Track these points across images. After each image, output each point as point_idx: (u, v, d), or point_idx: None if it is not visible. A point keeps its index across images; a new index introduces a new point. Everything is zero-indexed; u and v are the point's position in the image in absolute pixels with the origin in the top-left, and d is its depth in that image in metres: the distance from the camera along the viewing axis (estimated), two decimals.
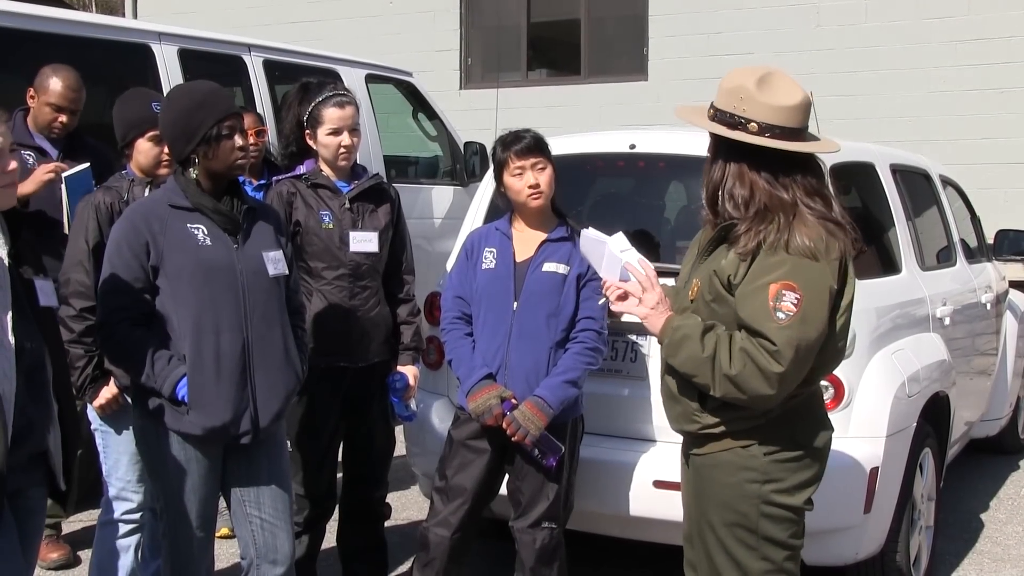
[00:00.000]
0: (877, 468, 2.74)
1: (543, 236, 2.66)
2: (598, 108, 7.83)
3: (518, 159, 2.61)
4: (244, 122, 2.40)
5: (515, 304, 2.62)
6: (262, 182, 3.21)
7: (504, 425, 2.57)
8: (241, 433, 2.27)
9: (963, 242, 4.10)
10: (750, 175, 1.92)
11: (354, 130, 2.83)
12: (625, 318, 2.17)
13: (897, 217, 3.37)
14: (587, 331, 2.62)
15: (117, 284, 2.23)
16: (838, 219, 1.93)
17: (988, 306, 4.02)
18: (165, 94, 2.85)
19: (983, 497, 4.15)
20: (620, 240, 2.08)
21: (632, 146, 3.13)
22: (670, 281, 2.19)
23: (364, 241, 2.82)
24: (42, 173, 2.93)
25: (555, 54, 8.87)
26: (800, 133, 1.95)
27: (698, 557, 2.06)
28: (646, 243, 3.00)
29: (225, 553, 3.22)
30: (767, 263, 1.88)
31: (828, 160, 2.65)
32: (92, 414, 2.61)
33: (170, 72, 4.09)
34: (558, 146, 2.80)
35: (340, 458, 3.01)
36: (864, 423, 2.78)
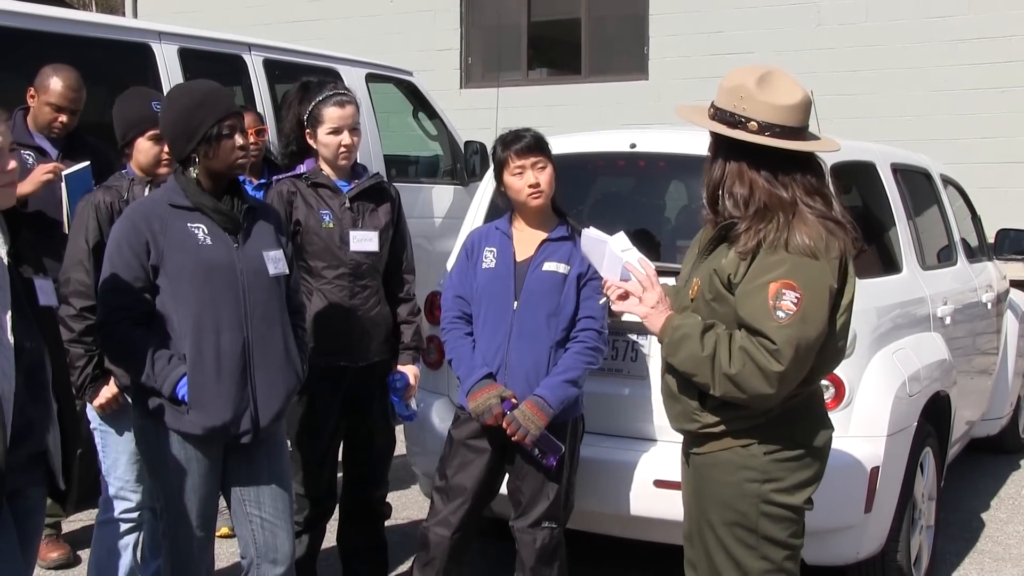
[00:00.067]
0: (878, 467, 2.74)
1: (543, 235, 2.66)
2: (598, 107, 7.83)
3: (518, 158, 2.60)
4: (244, 121, 2.39)
5: (515, 303, 2.61)
6: (262, 181, 3.21)
7: (504, 425, 2.57)
8: (241, 433, 2.26)
9: (964, 241, 4.10)
10: (750, 174, 1.92)
11: (354, 129, 2.83)
12: (625, 317, 2.17)
13: (898, 216, 3.37)
14: (587, 330, 2.61)
15: (117, 283, 2.23)
16: (838, 218, 1.93)
17: (989, 305, 4.02)
18: (165, 93, 2.84)
19: (984, 496, 4.15)
20: (621, 240, 2.08)
21: (632, 145, 3.12)
22: (670, 280, 2.19)
23: (364, 240, 2.82)
24: (40, 174, 2.92)
25: (555, 53, 8.87)
26: (800, 132, 1.95)
27: (698, 556, 2.06)
28: (647, 242, 3.00)
29: (225, 552, 3.22)
30: (767, 262, 1.88)
31: (829, 159, 2.65)
32: (92, 413, 2.61)
33: (170, 71, 4.09)
34: (558, 145, 2.79)
35: (340, 458, 3.01)
36: (865, 422, 2.78)
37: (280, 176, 2.92)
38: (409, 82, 5.64)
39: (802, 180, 1.93)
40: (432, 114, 5.76)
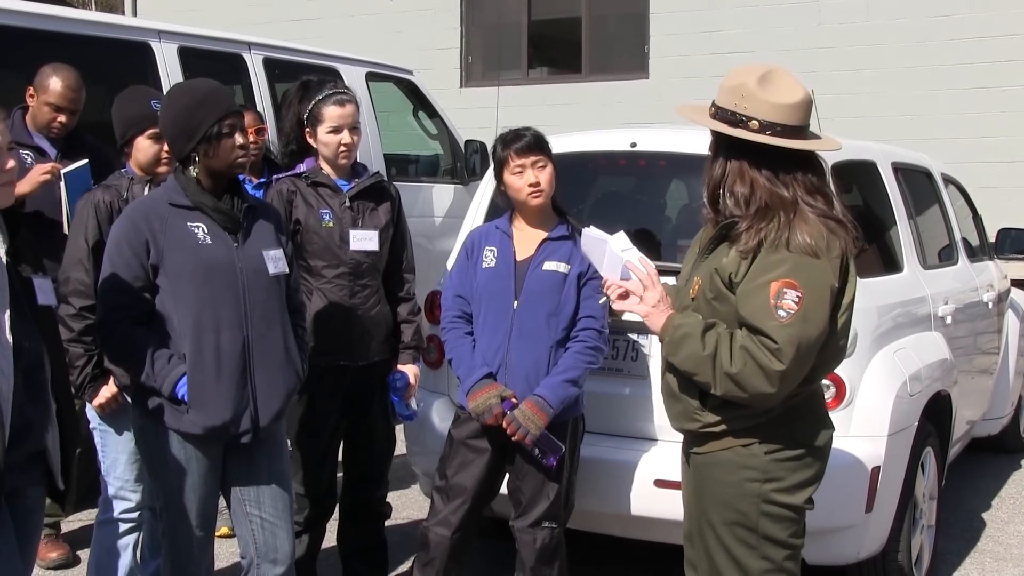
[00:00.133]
0: (878, 467, 2.74)
1: (544, 235, 2.65)
2: (599, 106, 7.82)
3: (518, 157, 2.60)
4: (244, 120, 2.39)
5: (515, 303, 2.61)
6: (262, 180, 3.21)
7: (504, 424, 2.56)
8: (241, 432, 2.26)
9: (965, 241, 4.10)
10: (751, 173, 1.91)
11: (354, 128, 2.82)
12: (626, 316, 2.16)
13: (899, 216, 3.36)
14: (588, 330, 2.61)
15: (117, 283, 2.23)
16: (839, 217, 1.92)
17: (990, 305, 4.02)
18: (165, 92, 2.84)
19: (985, 496, 4.14)
20: (621, 239, 2.08)
21: (633, 144, 3.12)
22: (671, 280, 2.18)
23: (364, 239, 2.82)
24: (38, 174, 2.91)
25: (556, 52, 8.86)
26: (801, 131, 1.94)
27: (698, 556, 2.05)
28: (647, 242, 3.00)
29: (225, 552, 3.22)
30: (768, 261, 1.87)
31: (829, 158, 2.64)
32: (91, 413, 2.61)
33: (170, 70, 4.09)
34: (559, 144, 2.79)
35: (340, 457, 3.01)
36: (865, 422, 2.77)
37: (280, 175, 2.92)
38: (409, 81, 5.63)
39: (803, 179, 1.92)
40: (432, 113, 5.75)
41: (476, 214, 3.19)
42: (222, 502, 2.38)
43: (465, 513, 2.65)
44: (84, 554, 3.10)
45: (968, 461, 4.33)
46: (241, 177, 2.56)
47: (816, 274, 1.86)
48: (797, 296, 1.84)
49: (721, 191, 1.95)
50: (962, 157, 6.30)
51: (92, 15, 5.06)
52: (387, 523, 3.18)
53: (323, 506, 2.92)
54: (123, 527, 2.62)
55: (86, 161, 2.84)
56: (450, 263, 2.99)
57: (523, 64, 8.60)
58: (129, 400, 2.41)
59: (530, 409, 2.54)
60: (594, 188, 3.44)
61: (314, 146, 2.85)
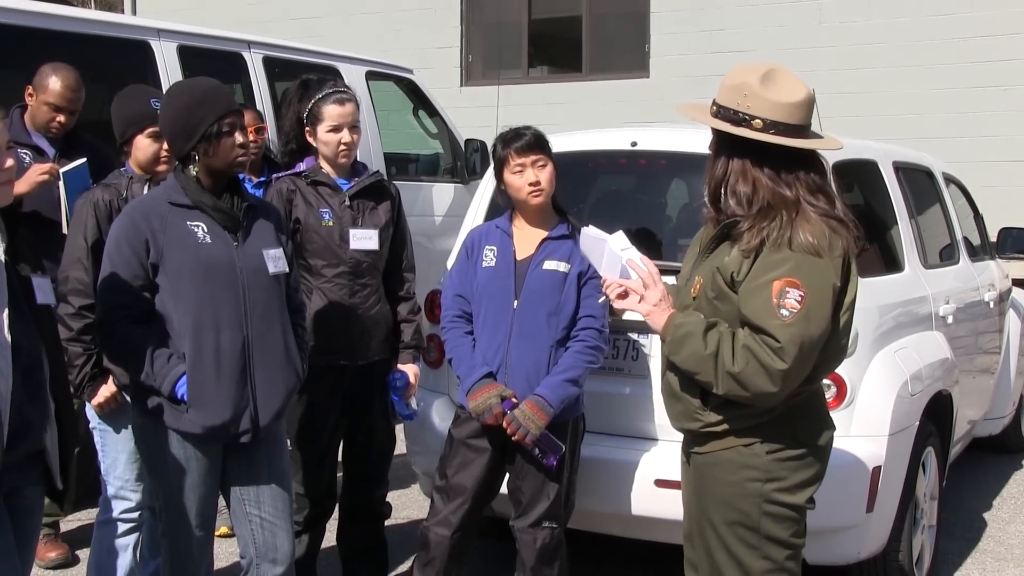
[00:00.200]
0: (879, 467, 2.73)
1: (544, 234, 2.65)
2: (599, 105, 7.81)
3: (518, 156, 2.59)
4: (244, 119, 2.38)
5: (515, 302, 2.60)
6: (262, 179, 3.20)
7: (504, 424, 2.56)
8: (241, 432, 2.26)
9: (966, 240, 4.09)
10: (753, 172, 1.91)
11: (354, 127, 2.81)
12: (627, 316, 2.16)
13: (900, 215, 3.36)
14: (588, 329, 2.60)
15: (116, 282, 2.22)
16: (841, 216, 1.92)
17: (991, 304, 4.01)
18: (164, 91, 2.83)
19: (986, 496, 4.14)
20: (620, 238, 2.08)
21: (633, 144, 3.11)
22: (671, 279, 2.18)
23: (364, 239, 2.81)
24: (36, 174, 2.90)
25: (556, 51, 8.86)
26: (803, 130, 1.94)
27: (699, 556, 2.05)
28: (648, 241, 2.99)
29: (225, 552, 3.21)
30: (770, 260, 1.87)
31: (831, 158, 2.63)
32: (90, 412, 2.60)
33: (169, 69, 4.08)
34: (559, 143, 2.78)
35: (340, 457, 3.00)
36: (866, 422, 2.76)
37: (280, 174, 2.91)
38: (409, 80, 5.62)
39: (805, 178, 1.92)
40: (432, 112, 5.74)
41: (476, 213, 3.18)
42: (222, 502, 2.38)
43: (465, 513, 2.64)
44: (83, 554, 3.10)
45: (969, 461, 4.32)
46: (241, 176, 2.56)
47: (818, 273, 1.86)
48: (800, 295, 1.83)
49: (723, 190, 1.95)
50: (963, 156, 6.29)
51: (91, 13, 5.06)
52: (387, 523, 3.18)
53: (323, 506, 2.92)
54: (123, 527, 2.62)
55: (84, 160, 2.83)
56: (450, 262, 2.98)
57: (523, 63, 8.59)
58: (128, 399, 2.40)
59: (530, 409, 2.54)
60: (594, 187, 3.44)
61: (314, 145, 2.84)
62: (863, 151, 3.37)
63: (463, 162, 5.67)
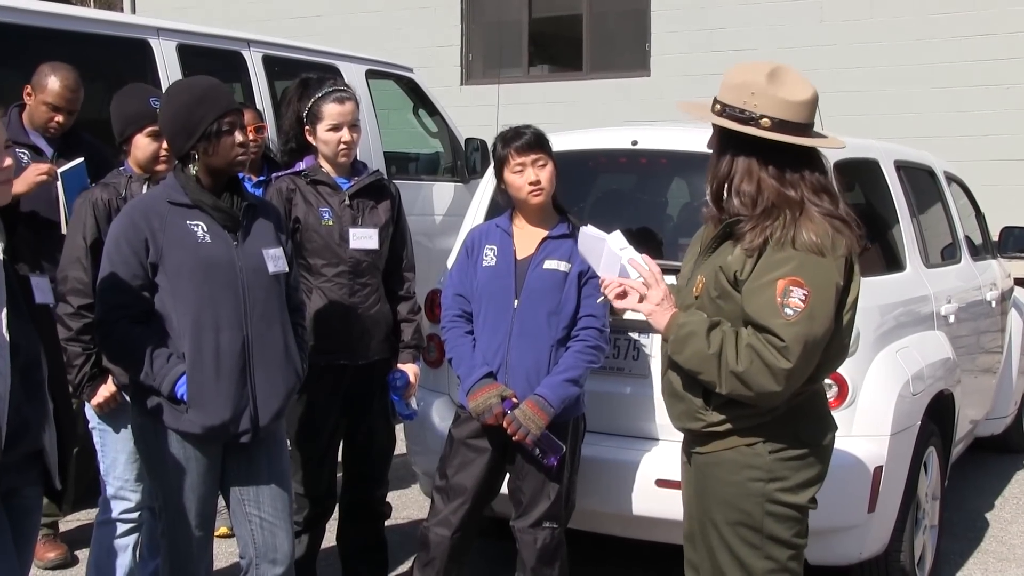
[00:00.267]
0: (881, 467, 2.73)
1: (544, 233, 2.64)
2: (600, 104, 7.80)
3: (519, 155, 2.58)
4: (244, 118, 2.37)
5: (516, 302, 2.60)
6: (261, 178, 3.19)
7: (505, 424, 2.55)
8: (241, 432, 2.25)
9: (968, 239, 4.08)
10: (759, 171, 1.90)
11: (354, 126, 2.81)
12: (628, 315, 2.15)
13: (901, 214, 3.35)
14: (589, 329, 2.60)
15: (116, 281, 2.22)
16: (844, 216, 1.92)
17: (993, 304, 4.00)
18: (164, 90, 2.82)
19: (988, 496, 4.13)
20: (618, 238, 2.07)
21: (634, 142, 3.10)
22: (672, 279, 2.17)
23: (364, 238, 2.80)
24: (34, 174, 2.89)
25: (557, 50, 8.85)
26: (808, 129, 1.94)
27: (700, 556, 2.04)
28: (648, 240, 2.98)
29: (224, 552, 3.21)
30: (774, 259, 1.87)
31: (832, 156, 2.62)
32: (90, 412, 2.60)
33: (169, 68, 4.07)
34: (559, 142, 2.77)
35: (340, 457, 2.99)
36: (868, 422, 2.76)
37: (279, 173, 2.90)
38: (409, 79, 5.61)
39: (810, 178, 1.92)
40: (432, 111, 5.73)
41: (476, 212, 3.18)
42: (221, 502, 2.37)
43: (465, 513, 2.63)
44: (82, 554, 3.10)
45: (971, 461, 4.32)
46: (240, 175, 2.55)
47: (822, 272, 1.86)
48: (803, 294, 1.83)
49: (727, 189, 1.94)
50: (965, 155, 6.28)
51: (90, 12, 5.05)
52: (387, 523, 3.17)
53: (323, 506, 2.91)
54: (122, 527, 2.61)
55: (82, 160, 2.82)
56: (450, 261, 2.97)
57: (524, 62, 8.58)
58: (128, 399, 2.39)
59: (531, 409, 2.53)
60: (595, 186, 3.43)
61: (314, 144, 2.83)
62: (864, 150, 3.36)
63: (463, 161, 5.66)
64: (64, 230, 2.68)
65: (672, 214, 3.26)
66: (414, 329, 2.93)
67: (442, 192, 5.59)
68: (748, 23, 7.50)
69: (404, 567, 3.26)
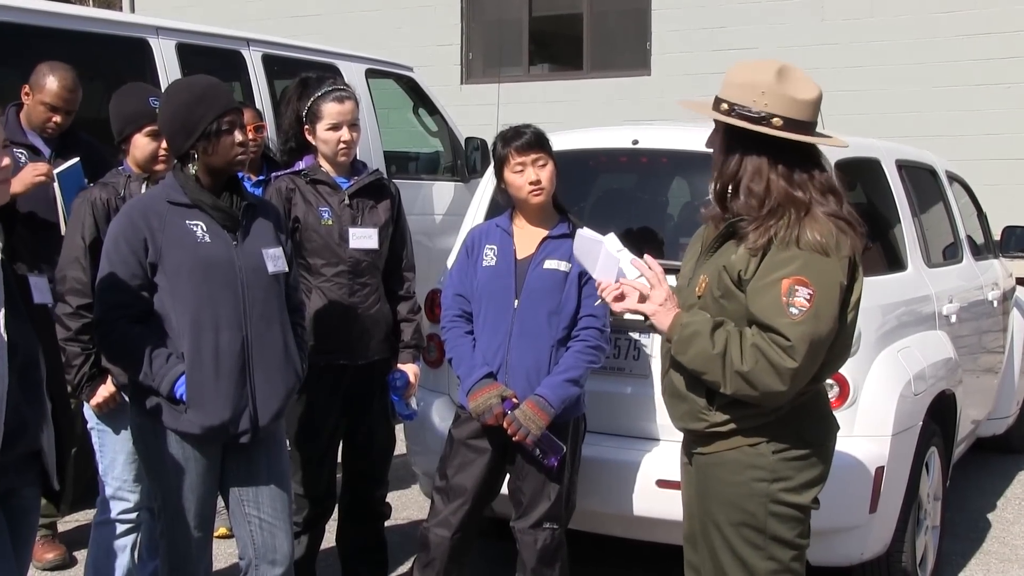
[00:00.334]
0: (883, 467, 2.72)
1: (544, 233, 2.63)
2: (600, 103, 7.80)
3: (519, 155, 2.57)
4: (244, 117, 2.36)
5: (516, 302, 2.59)
6: (261, 178, 3.18)
7: (505, 425, 2.54)
8: (240, 432, 2.24)
9: (970, 239, 4.07)
10: (768, 171, 1.90)
11: (354, 125, 2.80)
12: (628, 315, 2.14)
13: (903, 213, 3.34)
14: (589, 329, 2.59)
15: (115, 281, 2.21)
16: (848, 217, 1.92)
17: (995, 303, 3.99)
18: (163, 89, 2.81)
19: (990, 497, 4.12)
20: (613, 240, 2.06)
21: (635, 142, 3.10)
22: (671, 278, 2.16)
23: (364, 238, 2.79)
24: (31, 175, 2.88)
25: (557, 49, 8.84)
26: (813, 128, 1.94)
27: (701, 558, 2.03)
28: (649, 240, 2.98)
29: (223, 553, 3.20)
30: (778, 258, 1.86)
31: (833, 156, 2.62)
32: (88, 412, 2.59)
33: (168, 67, 4.06)
34: (559, 142, 2.76)
35: (340, 458, 2.98)
36: (869, 422, 2.75)
37: (279, 173, 2.89)
38: (409, 78, 5.60)
39: (819, 178, 1.92)
40: (432, 110, 5.72)
41: (476, 212, 3.17)
42: (221, 502, 2.36)
43: (465, 514, 2.63)
44: (81, 555, 3.09)
45: (973, 461, 4.31)
46: (240, 175, 2.54)
47: (826, 271, 1.86)
48: (809, 293, 1.83)
49: (735, 188, 1.92)
50: (966, 154, 6.27)
51: (89, 11, 5.04)
52: (387, 523, 3.16)
53: (322, 506, 2.90)
54: (121, 528, 2.61)
55: (77, 160, 2.81)
56: (450, 261, 2.97)
57: (524, 61, 8.57)
58: (127, 399, 2.39)
59: (531, 409, 2.52)
60: (595, 186, 3.42)
61: (313, 143, 2.82)
62: (866, 149, 3.35)
63: (463, 160, 5.65)
64: (63, 230, 2.67)
65: (673, 213, 3.25)
66: (414, 329, 2.92)
67: (442, 191, 5.58)
68: (749, 22, 7.49)
69: (404, 568, 3.25)
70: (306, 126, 2.82)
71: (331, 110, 2.77)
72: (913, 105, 7.02)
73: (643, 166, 3.24)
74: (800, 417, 1.95)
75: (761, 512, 1.93)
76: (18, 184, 2.84)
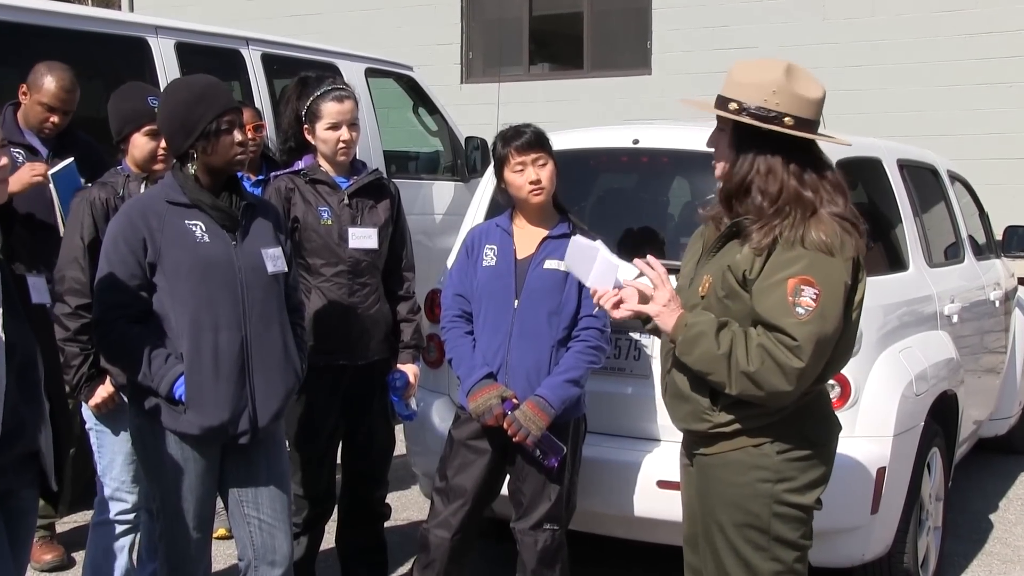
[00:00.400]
0: (884, 468, 2.71)
1: (544, 233, 2.62)
2: (601, 103, 7.79)
3: (519, 155, 2.56)
4: (243, 117, 2.35)
5: (516, 302, 2.58)
6: (260, 178, 3.18)
7: (505, 425, 2.53)
8: (239, 433, 2.24)
9: (971, 238, 4.06)
10: (781, 171, 1.89)
11: (353, 125, 2.79)
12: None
13: (904, 213, 3.33)
14: (589, 329, 2.58)
15: (114, 281, 2.20)
16: (852, 217, 1.91)
17: (997, 303, 3.98)
18: (162, 88, 2.80)
19: (992, 497, 4.12)
20: (605, 249, 2.05)
21: (635, 141, 3.09)
22: (672, 278, 2.15)
23: (363, 237, 2.79)
24: (28, 175, 2.87)
25: (557, 48, 8.83)
26: (817, 127, 1.94)
27: (703, 560, 2.03)
28: (650, 240, 2.97)
29: (223, 554, 3.19)
30: (784, 258, 1.86)
31: (834, 155, 2.61)
32: (87, 413, 2.58)
33: (167, 66, 4.05)
34: (560, 141, 2.75)
35: (339, 458, 2.98)
36: (871, 422, 2.74)
37: (278, 172, 2.88)
38: (409, 77, 5.59)
39: (831, 178, 1.91)
40: (432, 109, 5.71)
41: (476, 212, 3.16)
42: (220, 503, 2.35)
43: (465, 515, 2.62)
44: (79, 556, 3.08)
45: (975, 462, 4.29)
46: (239, 174, 2.53)
47: (832, 271, 1.86)
48: (815, 293, 1.83)
49: (747, 188, 1.91)
50: (968, 154, 6.26)
51: (88, 10, 5.02)
52: (386, 524, 3.15)
53: (322, 507, 2.89)
54: (119, 528, 2.60)
55: (71, 160, 2.80)
56: (450, 261, 2.96)
57: (524, 60, 8.56)
58: (126, 400, 2.38)
59: (531, 410, 2.51)
60: (596, 186, 3.41)
61: (312, 143, 2.82)
62: (867, 149, 3.34)
63: (463, 160, 5.64)
64: (61, 226, 2.66)
65: (674, 213, 3.25)
66: (414, 329, 2.91)
67: (442, 191, 5.57)
68: (750, 21, 7.47)
69: (404, 569, 3.24)
70: (305, 125, 2.81)
71: (330, 109, 2.76)
72: (914, 104, 7.01)
73: (644, 166, 3.23)
74: (804, 417, 1.94)
75: (765, 513, 1.92)
76: (15, 184, 2.83)
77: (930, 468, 3.10)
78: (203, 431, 2.20)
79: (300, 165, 2.84)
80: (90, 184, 2.63)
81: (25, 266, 2.60)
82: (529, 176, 2.57)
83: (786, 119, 1.87)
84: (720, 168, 1.97)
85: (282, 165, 2.98)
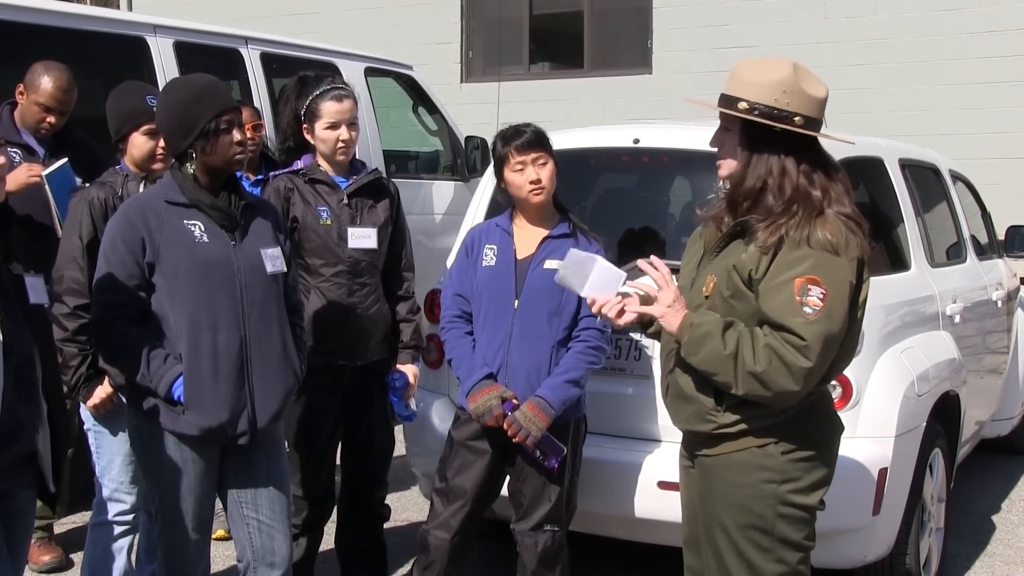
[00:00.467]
0: (886, 469, 2.71)
1: (545, 232, 2.61)
2: (601, 102, 7.78)
3: (519, 154, 2.56)
4: (242, 116, 2.34)
5: (516, 302, 2.57)
6: (259, 177, 3.16)
7: (505, 426, 2.52)
8: (239, 433, 2.23)
9: (973, 238, 4.05)
10: (794, 171, 1.89)
11: (352, 124, 2.78)
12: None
13: (906, 213, 3.32)
14: (590, 330, 2.57)
15: (112, 281, 2.19)
16: (856, 217, 1.91)
17: (999, 303, 3.97)
18: (161, 88, 2.79)
19: (994, 498, 4.11)
20: (601, 258, 2.05)
21: (636, 141, 3.08)
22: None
23: (363, 237, 2.78)
24: (25, 175, 2.86)
25: (558, 47, 8.82)
26: (821, 125, 1.93)
27: (705, 562, 2.02)
28: (651, 239, 2.96)
29: (222, 555, 3.19)
30: (790, 257, 1.86)
31: (836, 154, 2.59)
32: (85, 414, 2.57)
33: (166, 65, 4.04)
34: (560, 141, 2.75)
35: (339, 459, 2.97)
36: (873, 423, 2.74)
37: (277, 172, 2.87)
38: (409, 76, 5.58)
39: (839, 178, 1.92)
40: (432, 109, 5.70)
41: (476, 211, 3.15)
42: (219, 504, 2.34)
43: (465, 516, 2.61)
44: (77, 557, 3.07)
45: (977, 462, 4.28)
46: (238, 174, 2.52)
47: (838, 270, 1.85)
48: (822, 292, 1.83)
49: (762, 187, 1.90)
50: (970, 153, 6.25)
51: (87, 9, 5.01)
52: (386, 525, 3.15)
53: (321, 508, 2.89)
54: (118, 529, 2.60)
55: (66, 160, 2.79)
56: (450, 261, 2.95)
57: (524, 59, 8.55)
58: (124, 400, 2.37)
59: (531, 410, 2.50)
60: (596, 185, 3.40)
61: (312, 142, 2.80)
62: (869, 148, 3.33)
63: (463, 160, 5.63)
64: (57, 227, 2.65)
65: (675, 213, 3.24)
66: (413, 329, 2.90)
67: (442, 191, 5.56)
68: (751, 20, 7.47)
69: (403, 570, 3.23)
70: (304, 125, 2.80)
71: (329, 109, 2.75)
72: (916, 103, 7.00)
73: (644, 165, 3.22)
74: (807, 418, 1.94)
75: (770, 514, 1.92)
76: (12, 183, 2.82)
77: (932, 469, 3.09)
78: (202, 432, 2.19)
79: (299, 165, 2.83)
80: (88, 184, 2.62)
81: (23, 266, 2.59)
82: (529, 176, 2.56)
83: (796, 118, 1.86)
84: (728, 167, 1.96)
85: (281, 165, 2.97)
